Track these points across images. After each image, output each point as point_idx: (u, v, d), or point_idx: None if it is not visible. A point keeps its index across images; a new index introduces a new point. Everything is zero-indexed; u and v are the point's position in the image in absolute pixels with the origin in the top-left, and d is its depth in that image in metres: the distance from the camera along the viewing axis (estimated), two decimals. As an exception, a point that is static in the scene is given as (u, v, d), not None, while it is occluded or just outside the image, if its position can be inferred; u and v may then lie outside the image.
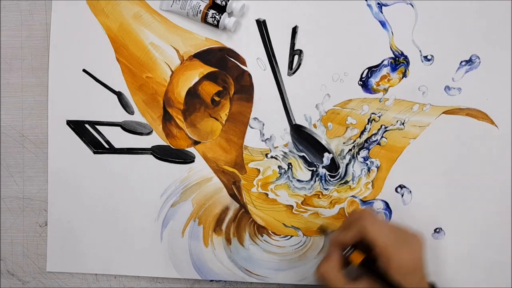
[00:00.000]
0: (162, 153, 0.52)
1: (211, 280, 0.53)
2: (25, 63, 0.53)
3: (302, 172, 0.51)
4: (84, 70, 0.52)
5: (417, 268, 0.40)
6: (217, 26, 0.48)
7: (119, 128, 0.52)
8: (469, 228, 0.50)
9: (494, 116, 0.49)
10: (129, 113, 0.52)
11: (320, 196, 0.51)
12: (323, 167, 0.51)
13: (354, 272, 0.43)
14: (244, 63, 0.50)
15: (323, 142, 0.50)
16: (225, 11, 0.48)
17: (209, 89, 0.50)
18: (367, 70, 0.49)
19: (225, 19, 0.48)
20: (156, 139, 0.52)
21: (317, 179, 0.51)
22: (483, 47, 0.49)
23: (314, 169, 0.51)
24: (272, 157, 0.51)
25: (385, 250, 0.39)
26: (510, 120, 0.49)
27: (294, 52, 0.50)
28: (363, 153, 0.50)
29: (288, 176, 0.51)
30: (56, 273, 0.54)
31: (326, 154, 0.50)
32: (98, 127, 0.52)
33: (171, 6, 0.49)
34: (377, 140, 0.50)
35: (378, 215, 0.44)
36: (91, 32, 0.51)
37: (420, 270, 0.40)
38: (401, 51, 0.49)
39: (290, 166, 0.51)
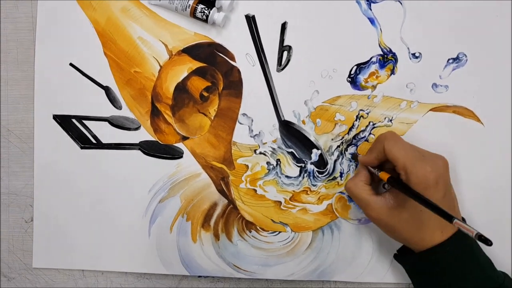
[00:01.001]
0: (150, 149, 0.51)
1: (199, 276, 0.53)
2: (10, 56, 0.52)
3: (291, 168, 0.51)
4: (71, 64, 0.51)
5: (439, 183, 0.41)
6: (206, 21, 0.48)
7: (106, 123, 0.52)
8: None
9: (480, 114, 0.49)
10: (116, 108, 0.51)
11: (308, 192, 0.51)
12: (311, 163, 0.51)
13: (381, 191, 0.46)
14: (233, 58, 0.50)
15: (312, 139, 0.51)
16: (214, 6, 0.48)
17: (198, 85, 0.50)
18: (355, 67, 0.50)
19: (214, 14, 0.48)
20: (144, 134, 0.51)
21: (305, 175, 0.51)
22: (470, 45, 0.49)
23: (303, 165, 0.51)
24: (260, 153, 0.51)
25: (404, 166, 0.41)
26: (495, 117, 0.49)
27: (283, 48, 0.50)
28: (351, 149, 0.51)
29: (277, 172, 0.51)
30: (43, 269, 0.54)
31: (314, 151, 0.51)
32: (85, 122, 0.52)
33: (160, 0, 0.49)
34: (365, 136, 0.50)
35: (398, 135, 0.45)
36: (78, 26, 0.51)
37: (442, 185, 0.41)
38: (389, 48, 0.49)
39: (279, 162, 0.51)
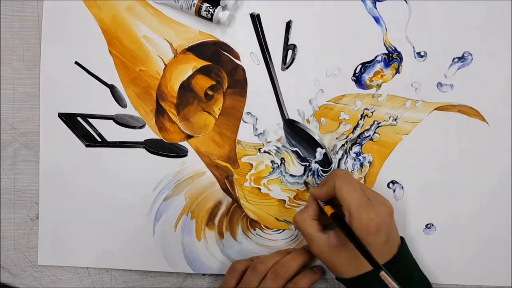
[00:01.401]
0: (154, 147, 0.52)
1: (203, 274, 0.53)
2: (16, 54, 0.52)
3: (295, 167, 0.51)
4: (76, 63, 0.51)
5: (380, 231, 0.41)
6: (211, 19, 0.48)
7: (111, 121, 0.52)
8: (460, 224, 0.50)
9: (485, 113, 0.49)
10: (121, 106, 0.51)
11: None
12: (315, 162, 0.51)
13: (327, 226, 0.46)
14: (237, 57, 0.50)
15: (316, 137, 0.51)
16: (219, 4, 0.48)
17: (203, 83, 0.50)
18: (360, 65, 0.50)
19: (219, 13, 0.48)
20: (148, 132, 0.51)
21: (309, 174, 0.51)
22: (475, 44, 0.49)
23: (307, 164, 0.51)
24: (265, 151, 0.51)
25: (350, 209, 0.42)
26: (500, 117, 0.49)
27: (288, 46, 0.50)
28: (356, 148, 0.50)
29: (281, 171, 0.51)
30: (47, 267, 0.54)
31: (319, 149, 0.51)
32: (90, 120, 0.52)
33: (165, -1, 0.49)
34: (369, 135, 0.50)
35: (351, 176, 0.45)
36: (84, 24, 0.51)
37: (384, 232, 0.42)
38: (394, 47, 0.49)
39: (283, 161, 0.51)
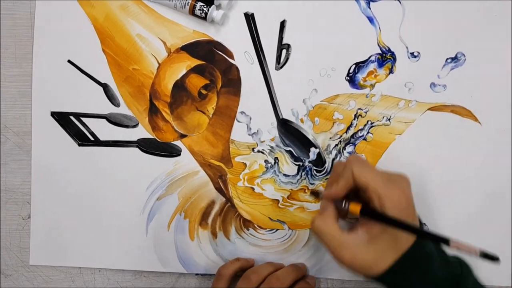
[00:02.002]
0: (148, 146, 0.51)
1: (196, 274, 0.53)
2: (8, 52, 0.52)
3: (289, 166, 0.51)
4: (69, 61, 0.51)
5: (409, 204, 0.40)
6: (205, 18, 0.48)
7: (104, 120, 0.51)
8: (452, 223, 0.51)
9: (478, 113, 0.50)
10: (115, 105, 0.51)
11: (306, 191, 0.51)
12: (309, 162, 0.51)
13: (346, 225, 0.43)
14: (231, 56, 0.50)
15: (310, 137, 0.51)
16: (213, 3, 0.48)
17: (196, 82, 0.50)
18: (354, 65, 0.50)
19: (213, 12, 0.48)
20: (142, 131, 0.51)
21: (303, 173, 0.51)
22: (468, 45, 0.49)
23: (301, 163, 0.51)
24: (258, 151, 0.51)
25: (377, 191, 0.39)
26: (493, 117, 0.50)
27: (282, 46, 0.50)
28: (349, 148, 0.51)
29: (275, 171, 0.51)
30: (39, 267, 0.54)
31: (312, 149, 0.51)
32: (83, 119, 0.52)
33: (159, -3, 0.49)
34: (363, 135, 0.50)
35: (364, 159, 0.43)
36: (77, 22, 0.51)
37: (411, 206, 0.41)
38: (388, 47, 0.49)
39: (277, 161, 0.51)
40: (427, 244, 0.41)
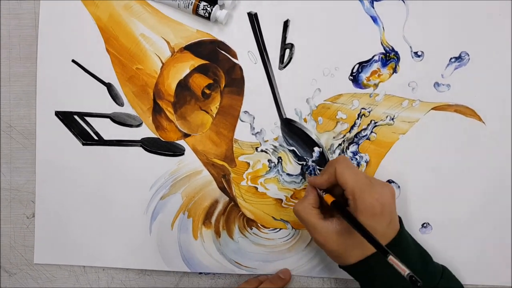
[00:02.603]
0: (151, 146, 0.52)
1: (200, 273, 0.53)
2: (13, 52, 0.52)
3: (292, 166, 0.51)
4: (73, 61, 0.51)
5: (384, 212, 0.41)
6: (208, 18, 0.48)
7: (108, 119, 0.52)
8: (456, 223, 0.50)
9: (482, 113, 0.49)
10: (118, 104, 0.51)
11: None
12: (312, 161, 0.51)
13: (327, 214, 0.45)
14: (235, 56, 0.50)
15: (313, 137, 0.51)
16: (216, 3, 0.48)
17: (200, 82, 0.50)
18: (357, 65, 0.50)
19: (217, 12, 0.48)
20: (145, 131, 0.51)
21: (307, 173, 0.51)
22: (472, 44, 0.49)
23: (304, 163, 0.51)
24: (262, 150, 0.51)
25: (353, 191, 0.41)
26: (497, 117, 0.49)
27: (286, 46, 0.50)
28: (353, 147, 0.51)
29: (278, 170, 0.51)
30: (44, 265, 0.54)
31: (316, 149, 0.51)
32: (87, 118, 0.52)
33: (162, -3, 0.49)
34: (366, 135, 0.50)
35: (351, 161, 0.45)
36: (81, 22, 0.51)
37: (388, 214, 0.42)
38: (391, 46, 0.49)
39: (280, 160, 0.51)
40: (403, 245, 0.43)
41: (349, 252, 0.43)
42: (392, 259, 0.36)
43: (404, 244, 0.44)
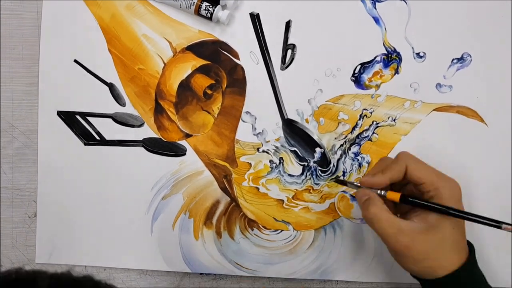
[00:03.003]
0: (153, 146, 0.52)
1: (201, 273, 0.53)
2: (15, 52, 0.52)
3: (294, 166, 0.51)
4: (75, 61, 0.51)
5: (460, 199, 0.41)
6: (210, 18, 0.48)
7: (110, 119, 0.52)
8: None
9: (484, 114, 0.49)
10: (120, 104, 0.51)
11: (311, 191, 0.51)
12: (314, 162, 0.51)
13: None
14: (237, 56, 0.50)
15: (315, 137, 0.51)
16: (218, 3, 0.48)
17: (202, 82, 0.50)
18: (359, 66, 0.50)
19: (219, 12, 0.48)
20: (147, 131, 0.51)
21: (308, 174, 0.51)
22: (474, 45, 0.49)
23: (306, 164, 0.51)
24: (263, 151, 0.51)
25: (435, 182, 0.40)
26: (499, 118, 0.49)
27: (287, 46, 0.50)
28: (354, 148, 0.50)
29: (279, 171, 0.51)
30: (45, 265, 0.54)
31: (317, 149, 0.51)
32: (89, 118, 0.52)
33: (165, -3, 0.49)
34: (368, 136, 0.50)
35: (415, 156, 0.43)
36: (83, 22, 0.51)
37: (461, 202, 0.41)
38: (393, 47, 0.49)
39: (282, 161, 0.51)
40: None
41: (442, 257, 0.39)
42: (507, 227, 0.35)
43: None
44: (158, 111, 0.51)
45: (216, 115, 0.51)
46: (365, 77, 0.50)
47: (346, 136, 0.50)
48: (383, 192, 0.41)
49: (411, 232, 0.39)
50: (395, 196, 0.40)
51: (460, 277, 0.39)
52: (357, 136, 0.50)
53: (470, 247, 0.42)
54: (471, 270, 0.40)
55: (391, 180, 0.41)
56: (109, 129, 0.52)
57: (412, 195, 0.41)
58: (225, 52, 0.50)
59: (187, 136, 0.51)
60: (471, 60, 0.49)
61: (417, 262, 0.39)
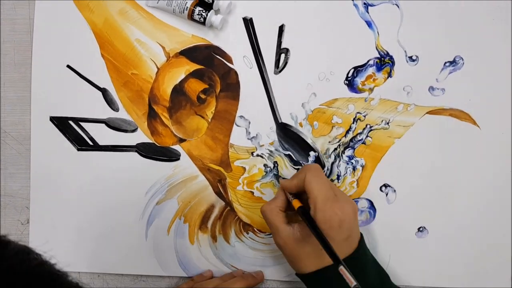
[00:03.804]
0: (147, 151, 0.51)
1: (196, 278, 0.53)
2: (7, 58, 0.52)
3: (288, 170, 0.51)
4: (68, 66, 0.51)
5: (343, 227, 0.42)
6: (203, 23, 0.48)
7: (103, 125, 0.52)
8: (452, 227, 0.51)
9: (476, 117, 0.50)
10: (113, 110, 0.51)
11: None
12: (274, 174, 0.51)
13: (293, 219, 0.46)
14: (230, 61, 0.50)
15: (309, 141, 0.51)
16: (212, 8, 0.48)
17: (195, 87, 0.50)
18: (353, 69, 0.50)
19: (212, 17, 0.48)
20: (141, 136, 0.51)
21: (280, 177, 0.51)
22: (467, 48, 0.49)
23: (300, 167, 0.51)
24: (258, 155, 0.51)
25: (315, 202, 0.42)
26: (491, 121, 0.50)
27: (281, 50, 0.50)
28: (348, 152, 0.51)
29: (274, 175, 0.51)
30: (39, 271, 0.53)
31: (311, 153, 0.51)
32: (82, 123, 0.52)
33: (157, 2, 0.49)
34: (362, 139, 0.50)
35: (322, 171, 0.46)
36: (76, 28, 0.50)
37: (346, 230, 0.42)
38: (386, 51, 0.49)
39: (276, 165, 0.51)
40: (361, 262, 0.44)
41: (306, 261, 0.44)
42: (342, 269, 0.37)
43: (362, 261, 0.45)
44: (152, 116, 0.51)
45: (210, 120, 0.51)
46: (359, 80, 0.50)
47: (340, 140, 0.51)
48: (291, 198, 0.46)
49: (285, 237, 0.44)
50: (296, 204, 0.44)
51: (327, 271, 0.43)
52: (351, 140, 0.50)
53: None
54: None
55: (296, 187, 0.45)
56: (102, 135, 0.51)
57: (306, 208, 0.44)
58: (218, 57, 0.50)
59: (181, 140, 0.51)
60: (463, 63, 0.49)
61: (289, 262, 0.46)
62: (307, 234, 0.43)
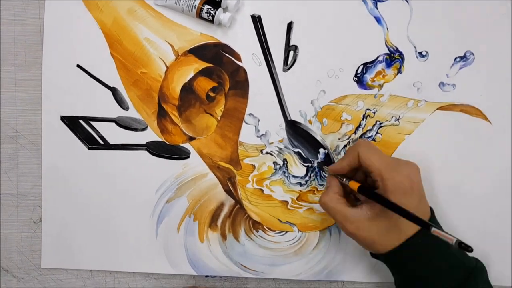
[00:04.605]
0: (157, 149, 0.52)
1: (206, 276, 0.53)
2: (18, 58, 0.52)
3: (297, 168, 0.51)
4: (78, 66, 0.52)
5: (414, 189, 0.41)
6: (212, 21, 0.48)
7: (113, 124, 0.52)
8: (463, 223, 0.50)
9: (488, 112, 0.49)
10: (123, 108, 0.52)
11: (315, 192, 0.51)
12: (318, 163, 0.51)
13: (354, 202, 0.45)
14: (239, 58, 0.50)
15: (318, 138, 0.51)
16: (220, 6, 0.48)
17: (204, 85, 0.50)
18: (362, 66, 0.49)
19: (220, 15, 0.48)
20: (151, 135, 0.52)
21: (312, 175, 0.51)
22: (477, 43, 0.49)
23: (309, 165, 0.51)
24: (267, 153, 0.51)
25: (380, 172, 0.41)
26: (503, 116, 0.49)
27: (289, 47, 0.50)
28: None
29: (283, 172, 0.51)
30: (51, 270, 0.54)
31: (321, 150, 0.51)
32: (92, 123, 0.52)
33: (166, 1, 0.49)
34: (372, 136, 0.50)
35: (372, 143, 0.45)
36: (85, 27, 0.51)
37: (417, 191, 0.41)
38: (396, 47, 0.49)
39: (285, 162, 0.51)
40: (439, 226, 0.41)
41: (384, 238, 0.41)
42: (436, 231, 0.34)
43: (438, 224, 0.43)
44: (161, 114, 0.51)
45: (219, 118, 0.51)
46: (368, 77, 0.50)
47: (349, 137, 0.50)
48: (345, 181, 0.44)
49: (356, 220, 0.42)
50: (354, 185, 0.43)
51: (410, 245, 0.41)
52: (361, 136, 0.50)
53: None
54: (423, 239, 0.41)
55: (349, 166, 0.44)
56: (112, 133, 0.52)
57: (366, 184, 0.43)
58: (227, 55, 0.50)
59: (191, 139, 0.51)
60: (474, 58, 0.49)
61: (366, 246, 0.43)
62: (378, 212, 0.41)
